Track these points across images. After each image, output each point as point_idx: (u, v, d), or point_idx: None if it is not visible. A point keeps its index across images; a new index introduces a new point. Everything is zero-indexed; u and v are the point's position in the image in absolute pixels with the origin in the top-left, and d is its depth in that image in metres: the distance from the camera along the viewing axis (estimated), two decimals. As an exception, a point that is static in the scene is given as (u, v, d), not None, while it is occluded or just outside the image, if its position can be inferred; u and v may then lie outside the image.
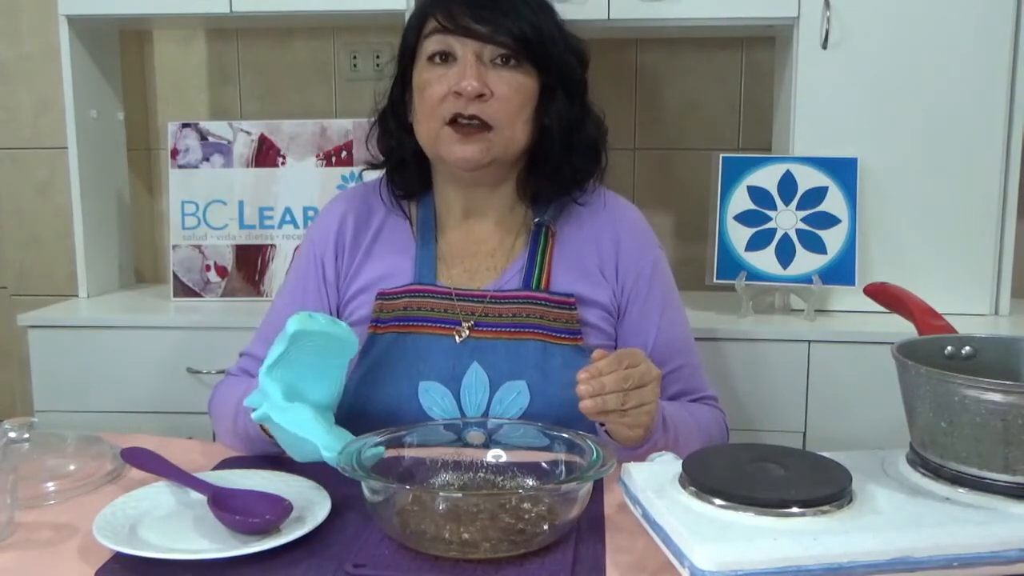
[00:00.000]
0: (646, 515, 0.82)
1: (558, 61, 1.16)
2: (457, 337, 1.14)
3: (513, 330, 1.14)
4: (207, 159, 2.02)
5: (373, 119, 1.25)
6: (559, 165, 1.19)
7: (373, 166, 1.27)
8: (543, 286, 1.17)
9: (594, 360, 0.96)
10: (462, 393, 1.12)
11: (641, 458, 0.95)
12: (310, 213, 2.00)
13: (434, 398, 1.12)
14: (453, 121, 1.13)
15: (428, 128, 1.16)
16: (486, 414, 1.11)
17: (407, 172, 1.24)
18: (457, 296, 1.16)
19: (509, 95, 1.13)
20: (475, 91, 1.11)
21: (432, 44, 1.14)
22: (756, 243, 1.84)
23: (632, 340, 1.19)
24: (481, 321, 1.15)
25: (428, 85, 1.14)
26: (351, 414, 1.10)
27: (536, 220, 1.21)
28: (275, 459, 1.05)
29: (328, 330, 0.96)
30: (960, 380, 0.79)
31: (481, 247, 1.22)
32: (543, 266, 1.18)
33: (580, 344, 1.14)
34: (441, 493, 0.90)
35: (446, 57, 1.14)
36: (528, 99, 1.15)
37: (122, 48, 2.17)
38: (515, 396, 1.11)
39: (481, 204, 1.23)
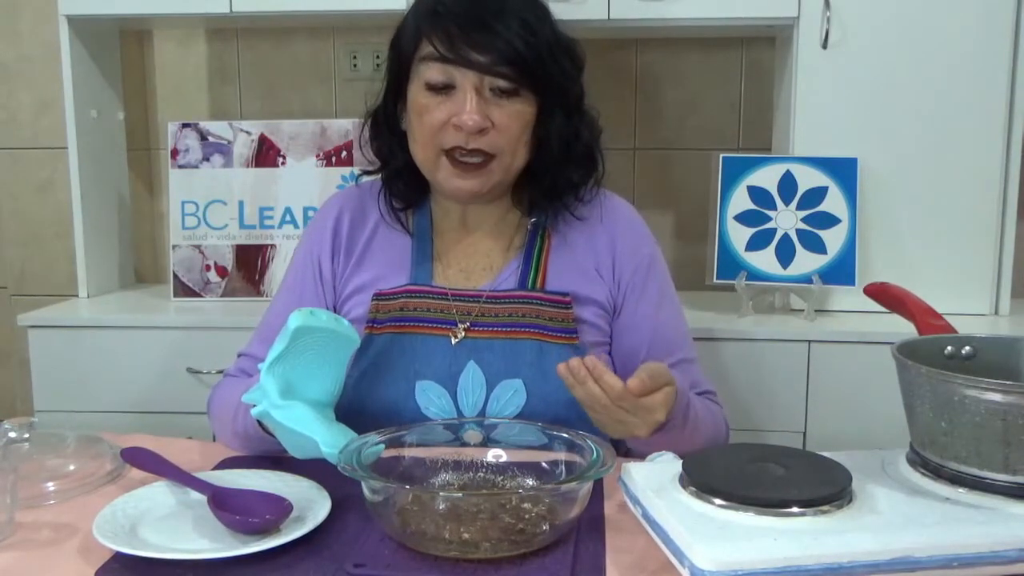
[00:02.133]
0: (646, 515, 0.82)
1: (557, 81, 1.15)
2: (453, 337, 1.14)
3: (509, 329, 1.14)
4: (207, 159, 2.02)
5: (364, 122, 1.24)
6: (555, 177, 1.19)
7: (368, 172, 1.27)
8: (539, 285, 1.17)
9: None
10: (459, 392, 1.12)
11: (641, 457, 0.95)
12: (310, 213, 2.00)
13: (431, 397, 1.12)
14: (451, 152, 1.13)
15: (426, 155, 1.15)
16: (483, 413, 1.11)
17: (402, 182, 1.23)
18: (453, 296, 1.16)
19: (509, 124, 1.12)
20: (477, 125, 1.10)
21: (430, 72, 1.12)
22: (756, 243, 1.84)
23: (628, 336, 1.19)
24: (477, 321, 1.15)
25: (426, 111, 1.12)
26: (348, 414, 1.10)
27: (532, 221, 1.21)
28: (275, 459, 1.05)
29: (329, 327, 0.96)
30: (960, 380, 0.79)
31: (478, 247, 1.22)
32: (539, 265, 1.18)
33: (576, 343, 1.14)
34: (441, 493, 0.90)
35: (445, 86, 1.12)
36: (527, 124, 1.14)
37: (122, 48, 2.17)
38: (511, 395, 1.11)
39: (477, 215, 1.23)
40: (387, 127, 1.22)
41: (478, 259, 1.21)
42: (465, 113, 1.09)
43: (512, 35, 1.09)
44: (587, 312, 1.17)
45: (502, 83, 1.11)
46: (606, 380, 0.94)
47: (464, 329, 1.14)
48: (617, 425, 0.99)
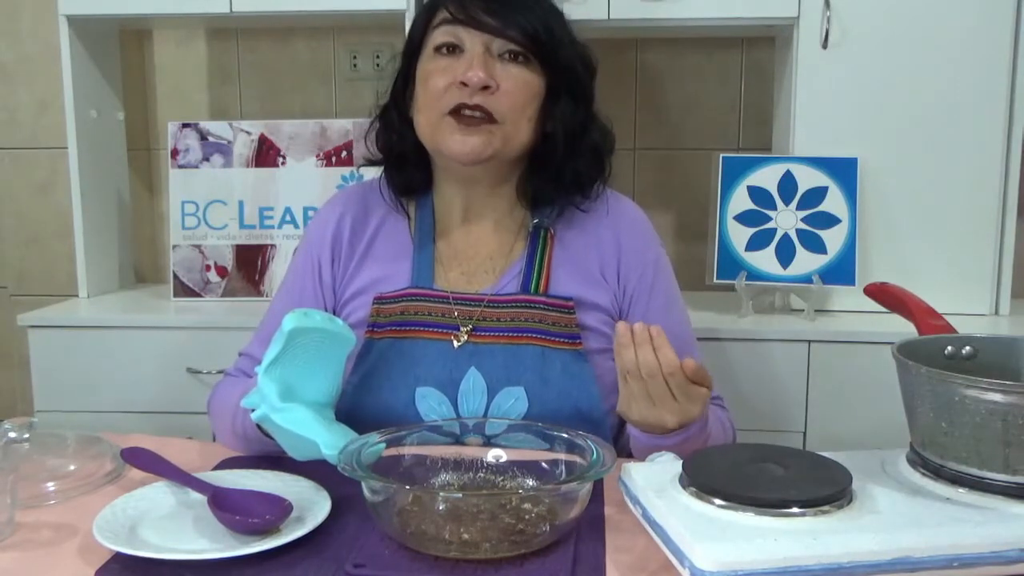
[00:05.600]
0: (646, 515, 0.82)
1: (566, 62, 1.15)
2: (455, 342, 1.13)
3: (511, 334, 1.12)
4: (207, 159, 2.02)
5: (374, 115, 1.24)
6: (561, 169, 1.18)
7: (372, 163, 1.26)
8: (542, 289, 1.16)
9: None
10: (459, 399, 1.11)
11: (641, 457, 0.95)
12: (310, 213, 1.99)
13: (431, 404, 1.11)
14: (455, 111, 1.11)
15: (428, 118, 1.14)
16: None
17: (407, 168, 1.22)
18: (455, 300, 1.15)
19: (515, 89, 1.12)
20: (481, 82, 1.09)
21: (440, 35, 1.13)
22: (756, 243, 1.84)
23: None
24: (479, 325, 1.13)
25: (432, 75, 1.13)
26: (348, 420, 1.09)
27: (535, 222, 1.20)
28: (275, 459, 1.05)
29: (324, 327, 0.96)
30: (960, 380, 0.79)
31: (480, 250, 1.21)
32: (542, 269, 1.17)
33: (579, 348, 1.13)
34: (441, 493, 0.90)
35: (453, 48, 1.13)
36: (534, 96, 1.14)
37: (122, 48, 2.17)
38: (513, 402, 1.10)
39: (480, 204, 1.22)
40: (397, 113, 1.21)
41: (480, 262, 1.20)
42: (471, 70, 1.10)
43: (526, 8, 1.12)
44: (591, 318, 1.16)
45: (511, 46, 1.11)
46: (665, 351, 0.94)
47: (466, 333, 1.13)
48: (650, 405, 0.97)
